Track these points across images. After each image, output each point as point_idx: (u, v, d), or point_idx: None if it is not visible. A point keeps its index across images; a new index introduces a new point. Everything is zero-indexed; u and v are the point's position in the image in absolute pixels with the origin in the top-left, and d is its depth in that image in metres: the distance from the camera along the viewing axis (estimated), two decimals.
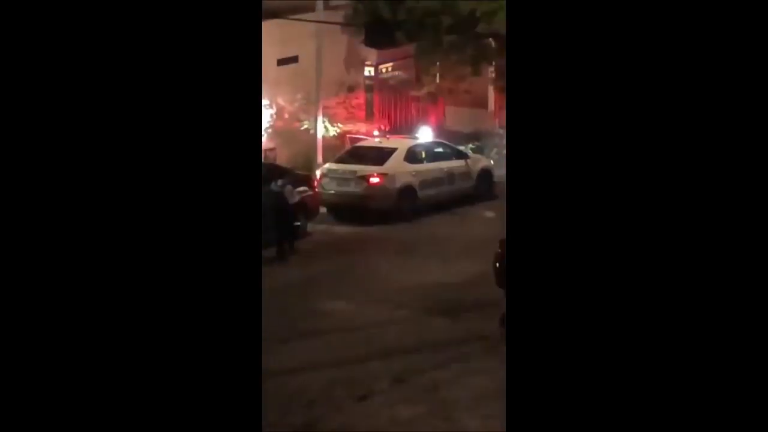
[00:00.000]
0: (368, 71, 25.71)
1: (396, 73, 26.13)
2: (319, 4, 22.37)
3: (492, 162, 22.61)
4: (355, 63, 25.11)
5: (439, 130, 23.17)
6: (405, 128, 23.12)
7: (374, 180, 19.91)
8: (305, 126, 22.92)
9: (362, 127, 23.98)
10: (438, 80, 24.91)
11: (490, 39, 23.48)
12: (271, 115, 22.87)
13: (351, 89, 24.93)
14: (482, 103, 26.37)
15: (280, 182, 17.74)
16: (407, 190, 20.21)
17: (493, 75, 25.12)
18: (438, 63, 24.48)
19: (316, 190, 19.72)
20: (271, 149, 22.18)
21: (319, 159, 22.12)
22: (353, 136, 23.26)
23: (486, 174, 21.74)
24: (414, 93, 25.12)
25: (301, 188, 18.56)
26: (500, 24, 22.39)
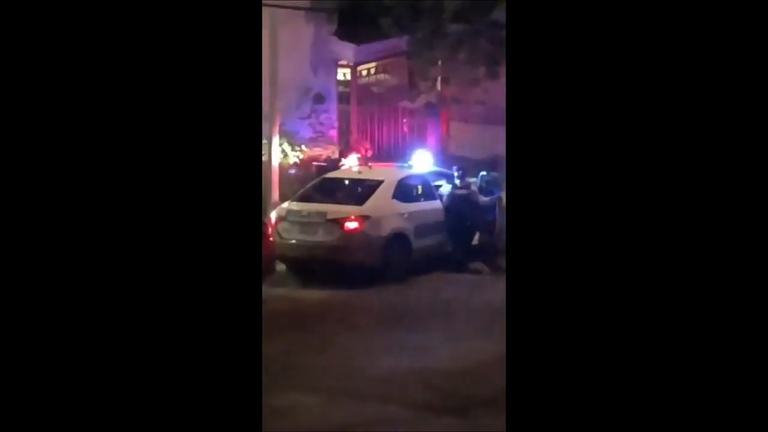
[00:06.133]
0: (343, 74, 26.27)
1: (381, 76, 26.74)
2: None
3: None
4: (324, 63, 25.85)
5: (442, 155, 23.62)
6: (394, 153, 23.68)
7: (351, 225, 19.98)
8: None
9: (334, 150, 24.92)
10: (440, 86, 25.37)
11: None
12: None
13: (319, 99, 25.66)
14: (500, 118, 26.18)
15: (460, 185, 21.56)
16: (398, 239, 20.41)
17: None
18: (440, 62, 25.08)
19: (271, 239, 19.44)
20: None
21: (275, 196, 22.83)
22: (321, 163, 23.99)
23: (503, 215, 21.44)
24: (407, 104, 25.58)
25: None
26: None
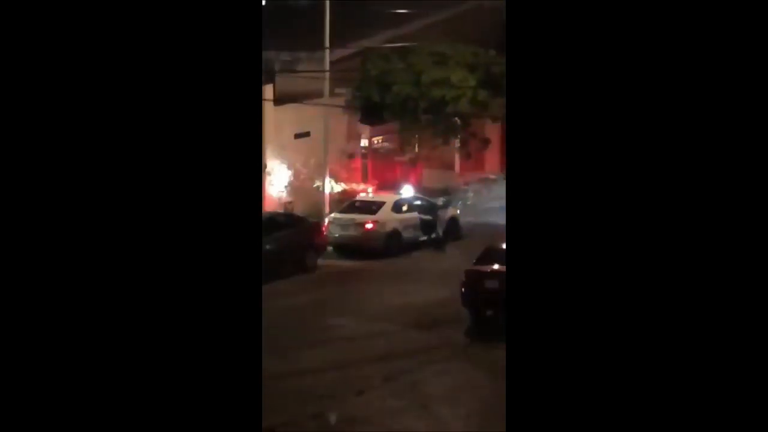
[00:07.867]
0: (364, 142, 25.58)
1: (385, 144, 25.90)
2: (326, 91, 22.48)
3: (458, 211, 22.48)
4: (353, 136, 24.99)
5: (418, 187, 22.93)
6: (392, 186, 22.75)
7: (369, 226, 19.93)
8: (316, 184, 22.79)
9: (359, 185, 24.04)
10: (417, 149, 24.80)
11: (456, 118, 23.54)
12: (289, 176, 23.03)
13: (350, 156, 24.88)
14: (450, 166, 26.34)
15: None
16: (394, 234, 20.15)
17: (458, 145, 25.04)
18: (417, 136, 24.50)
19: (324, 234, 19.73)
20: (290, 201, 22.29)
21: (327, 210, 21.99)
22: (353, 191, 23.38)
23: (454, 221, 21.57)
24: (398, 159, 25.02)
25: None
26: (463, 106, 23.00)
